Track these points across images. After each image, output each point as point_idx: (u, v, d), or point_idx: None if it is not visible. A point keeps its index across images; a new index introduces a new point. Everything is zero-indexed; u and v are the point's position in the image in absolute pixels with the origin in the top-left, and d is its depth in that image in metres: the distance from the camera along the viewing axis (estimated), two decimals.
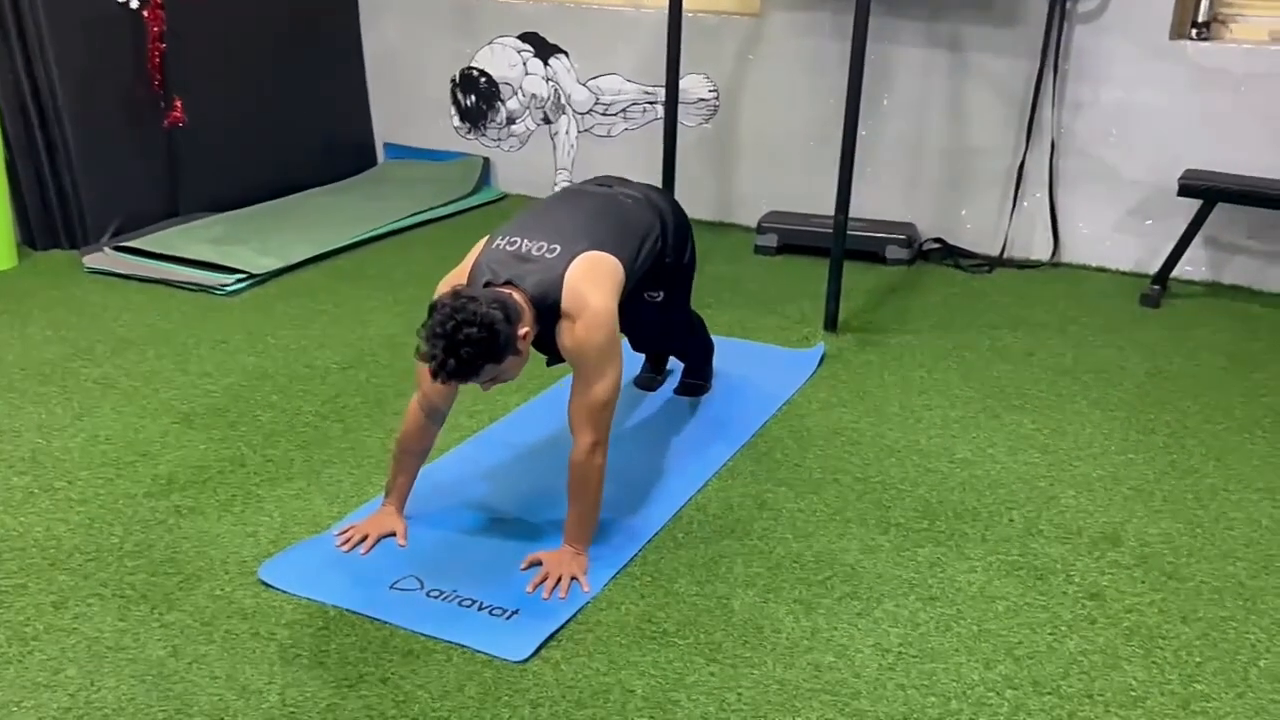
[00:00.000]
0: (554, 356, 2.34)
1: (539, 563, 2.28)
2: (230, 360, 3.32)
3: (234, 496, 2.55)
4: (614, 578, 2.28)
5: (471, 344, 2.01)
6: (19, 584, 2.19)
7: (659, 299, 2.77)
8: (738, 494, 2.64)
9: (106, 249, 4.17)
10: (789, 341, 3.63)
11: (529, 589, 2.21)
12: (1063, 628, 2.18)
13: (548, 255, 2.25)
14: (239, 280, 3.94)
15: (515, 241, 2.30)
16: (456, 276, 2.29)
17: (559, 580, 2.22)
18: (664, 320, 2.87)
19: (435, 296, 2.12)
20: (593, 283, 2.24)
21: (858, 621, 2.18)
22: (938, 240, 4.61)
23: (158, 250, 4.11)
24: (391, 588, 2.22)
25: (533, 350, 2.25)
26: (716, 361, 3.35)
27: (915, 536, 2.48)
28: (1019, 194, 4.47)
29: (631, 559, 2.35)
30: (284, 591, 2.20)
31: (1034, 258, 4.52)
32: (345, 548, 2.33)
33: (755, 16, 4.75)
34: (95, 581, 2.21)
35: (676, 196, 4.61)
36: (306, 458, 2.74)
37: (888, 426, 3.03)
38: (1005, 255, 4.51)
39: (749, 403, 3.12)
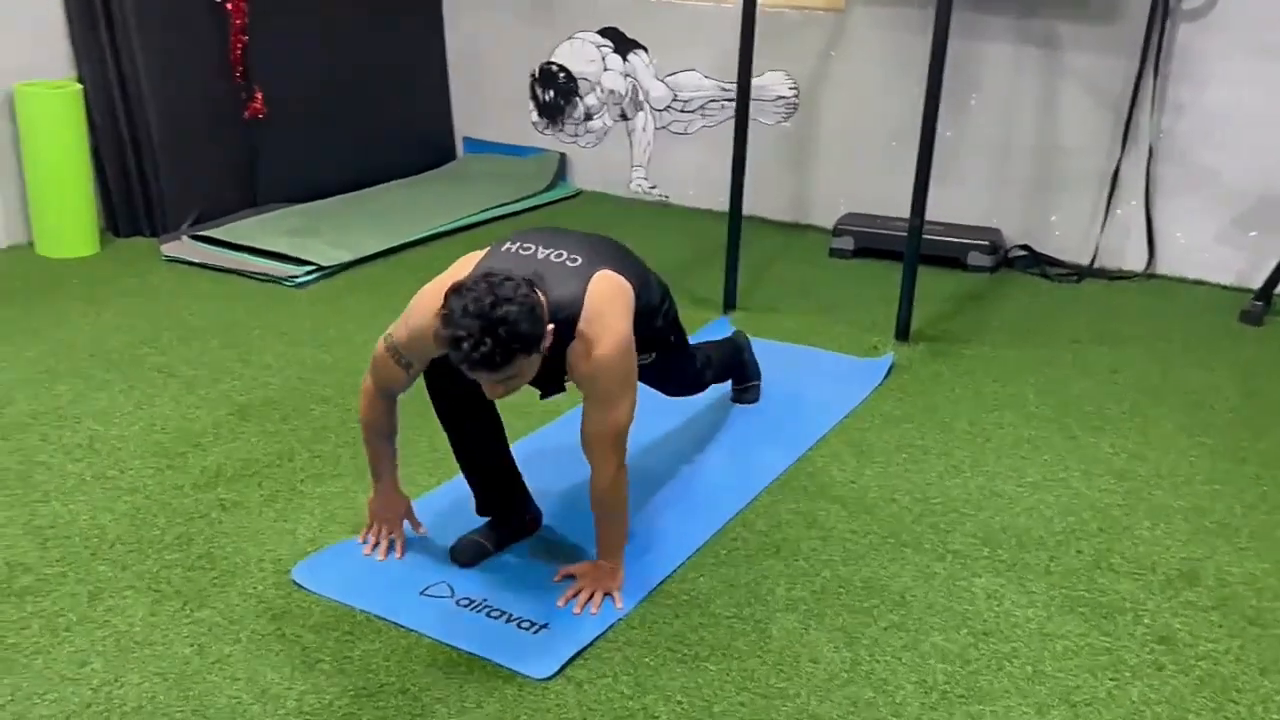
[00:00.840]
0: (551, 385, 2.14)
1: (573, 576, 2.21)
2: (291, 352, 3.33)
3: (278, 492, 2.55)
4: (648, 596, 2.20)
5: (509, 324, 1.82)
6: (59, 573, 2.21)
7: (650, 360, 2.32)
8: (787, 510, 2.54)
9: (184, 237, 4.24)
10: (857, 350, 3.50)
11: (560, 603, 2.15)
12: (1127, 673, 2.03)
13: (569, 264, 2.05)
14: (309, 272, 3.97)
15: (529, 247, 2.11)
16: (448, 279, 2.02)
17: (592, 595, 2.15)
18: (664, 374, 2.50)
19: (449, 284, 1.90)
20: (613, 304, 2.04)
21: (903, 655, 2.06)
22: (1024, 247, 4.41)
23: (233, 240, 4.16)
24: (422, 594, 2.18)
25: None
26: (777, 370, 3.24)
27: (973, 565, 2.35)
28: (1112, 200, 4.25)
29: (668, 576, 2.27)
30: (315, 593, 2.17)
31: (1127, 268, 4.29)
32: (379, 556, 2.29)
33: (839, 12, 4.61)
34: (132, 574, 2.21)
35: (750, 196, 4.51)
36: (354, 455, 2.72)
37: (954, 444, 2.89)
38: (1096, 265, 4.30)
39: (808, 414, 3.01)
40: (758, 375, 3.09)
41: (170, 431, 2.81)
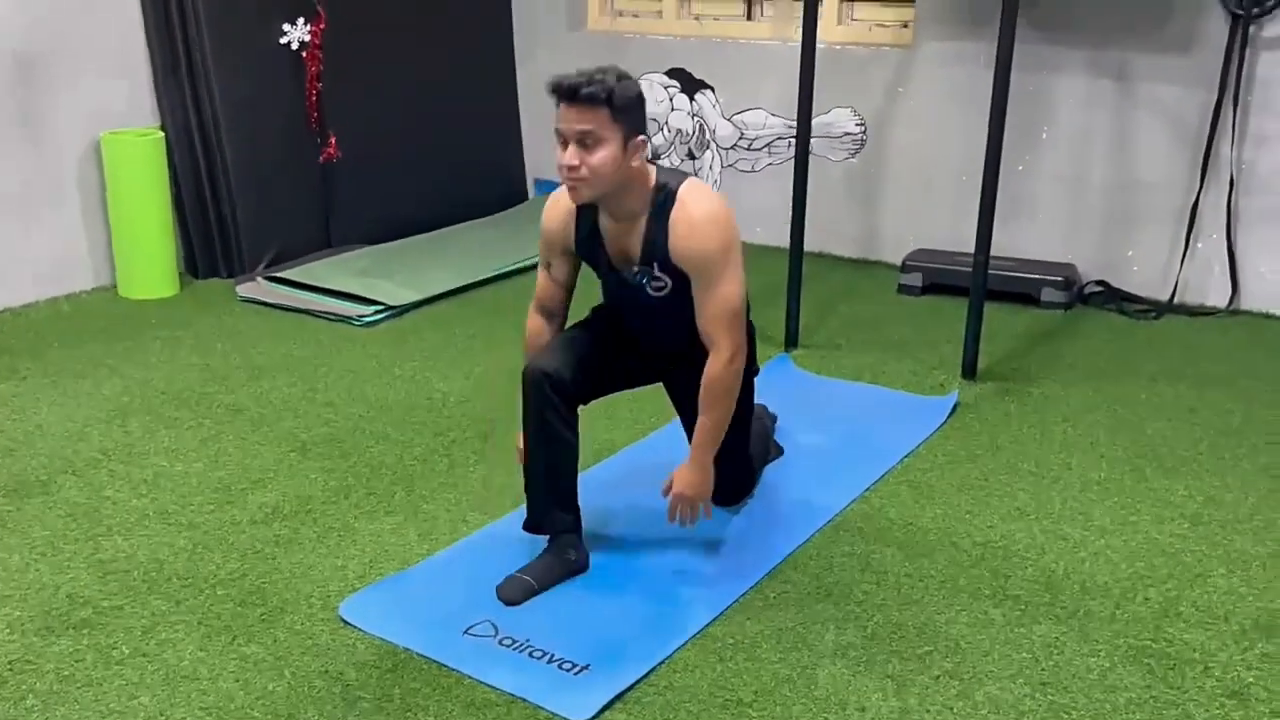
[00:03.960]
0: (654, 268, 2.25)
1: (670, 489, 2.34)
2: (355, 390, 3.39)
3: (331, 529, 2.57)
4: (693, 639, 2.16)
5: (605, 76, 2.09)
6: (117, 605, 2.26)
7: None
8: (841, 552, 2.48)
9: (259, 279, 4.36)
10: (922, 388, 3.43)
11: (668, 521, 2.33)
12: None
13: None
14: (377, 311, 4.04)
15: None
16: None
17: (690, 510, 2.32)
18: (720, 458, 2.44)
19: None
20: (713, 197, 2.25)
21: (954, 704, 1.99)
22: (1100, 283, 4.29)
23: (305, 281, 4.27)
24: (465, 633, 2.17)
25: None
26: (837, 409, 3.21)
27: (1033, 611, 2.27)
28: (1192, 234, 4.11)
29: (714, 619, 2.22)
30: (360, 629, 2.18)
31: (1209, 304, 4.14)
32: None
33: (907, 48, 4.57)
34: (185, 608, 2.25)
35: (818, 232, 4.48)
36: (408, 491, 2.75)
37: (1019, 486, 2.80)
38: (1176, 300, 4.16)
39: (868, 453, 2.95)
40: (779, 451, 2.96)
41: (233, 469, 2.87)
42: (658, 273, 2.27)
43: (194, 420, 3.16)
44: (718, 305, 2.22)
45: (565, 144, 2.13)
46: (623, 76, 2.13)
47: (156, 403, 3.28)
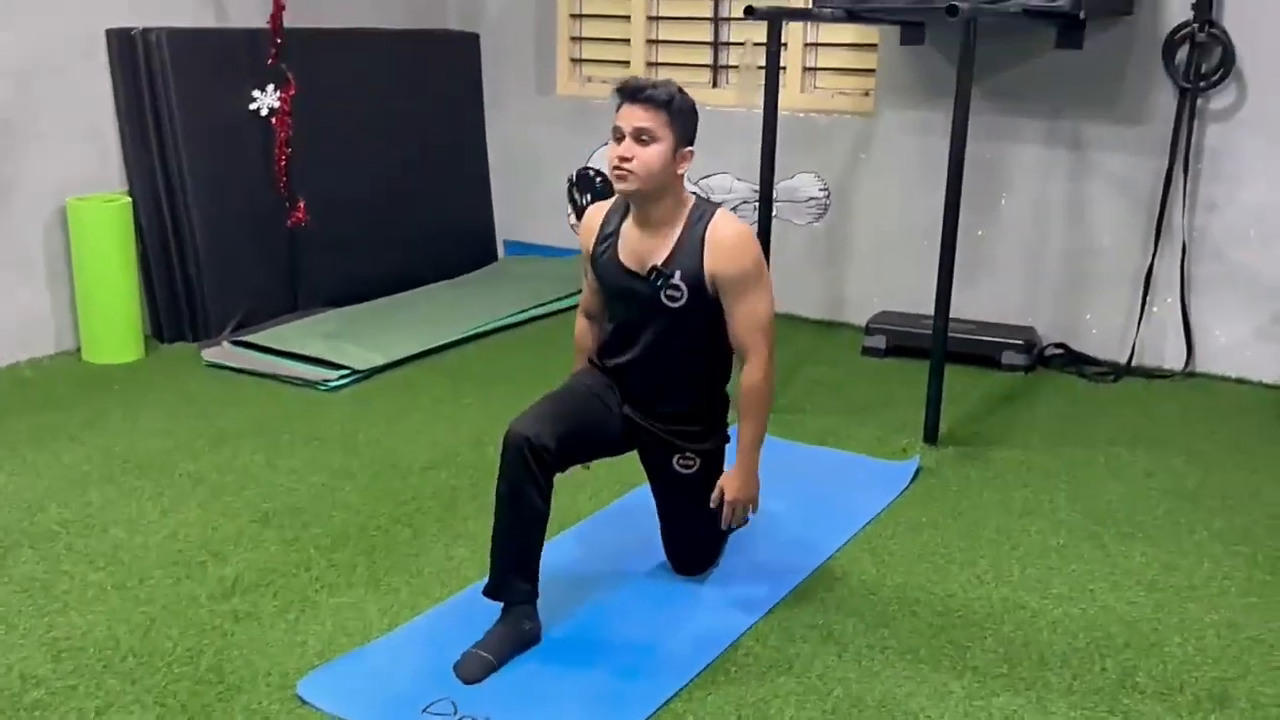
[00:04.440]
0: (675, 275, 2.37)
1: (723, 493, 2.47)
2: (319, 458, 3.38)
3: (291, 602, 2.56)
4: (654, 714, 2.16)
5: (669, 84, 2.32)
6: (70, 685, 2.23)
7: (692, 468, 2.54)
8: (802, 623, 2.49)
9: (225, 343, 4.35)
10: (884, 453, 3.46)
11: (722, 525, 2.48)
12: None
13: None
14: (342, 376, 4.04)
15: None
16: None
17: (736, 510, 2.46)
18: (691, 520, 2.60)
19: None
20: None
21: None
22: (1060, 345, 4.36)
23: (271, 345, 4.26)
24: (424, 710, 2.16)
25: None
26: (801, 474, 3.23)
27: (992, 683, 2.28)
28: (1148, 299, 4.20)
29: (675, 694, 2.22)
30: (318, 709, 2.16)
31: (1166, 367, 4.22)
32: None
33: (868, 116, 4.67)
34: (141, 688, 2.22)
35: (784, 294, 4.52)
36: (370, 564, 2.74)
37: (979, 553, 2.83)
38: (1134, 363, 4.23)
39: (830, 520, 2.97)
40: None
41: (192, 540, 2.85)
42: (677, 279, 2.36)
43: (155, 490, 3.14)
44: (754, 318, 2.38)
45: (620, 139, 2.32)
46: (682, 90, 2.35)
47: (117, 471, 3.26)
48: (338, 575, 2.68)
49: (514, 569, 2.35)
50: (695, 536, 2.64)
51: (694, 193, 2.47)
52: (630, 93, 2.32)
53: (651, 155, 2.29)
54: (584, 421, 2.44)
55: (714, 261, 2.35)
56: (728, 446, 2.59)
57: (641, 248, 2.42)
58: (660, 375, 2.49)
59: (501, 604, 2.36)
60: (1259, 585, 2.66)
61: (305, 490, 3.15)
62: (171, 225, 4.39)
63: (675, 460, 2.53)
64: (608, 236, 2.47)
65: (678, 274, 2.37)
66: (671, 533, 2.65)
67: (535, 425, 2.30)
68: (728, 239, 2.35)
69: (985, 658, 2.37)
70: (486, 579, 2.39)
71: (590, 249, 2.52)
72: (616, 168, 2.32)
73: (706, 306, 2.40)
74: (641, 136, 2.29)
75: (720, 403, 2.59)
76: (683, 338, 2.44)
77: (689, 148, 2.36)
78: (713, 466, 2.56)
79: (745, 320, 2.39)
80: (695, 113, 2.38)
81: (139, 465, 3.30)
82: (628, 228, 2.45)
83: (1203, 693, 2.25)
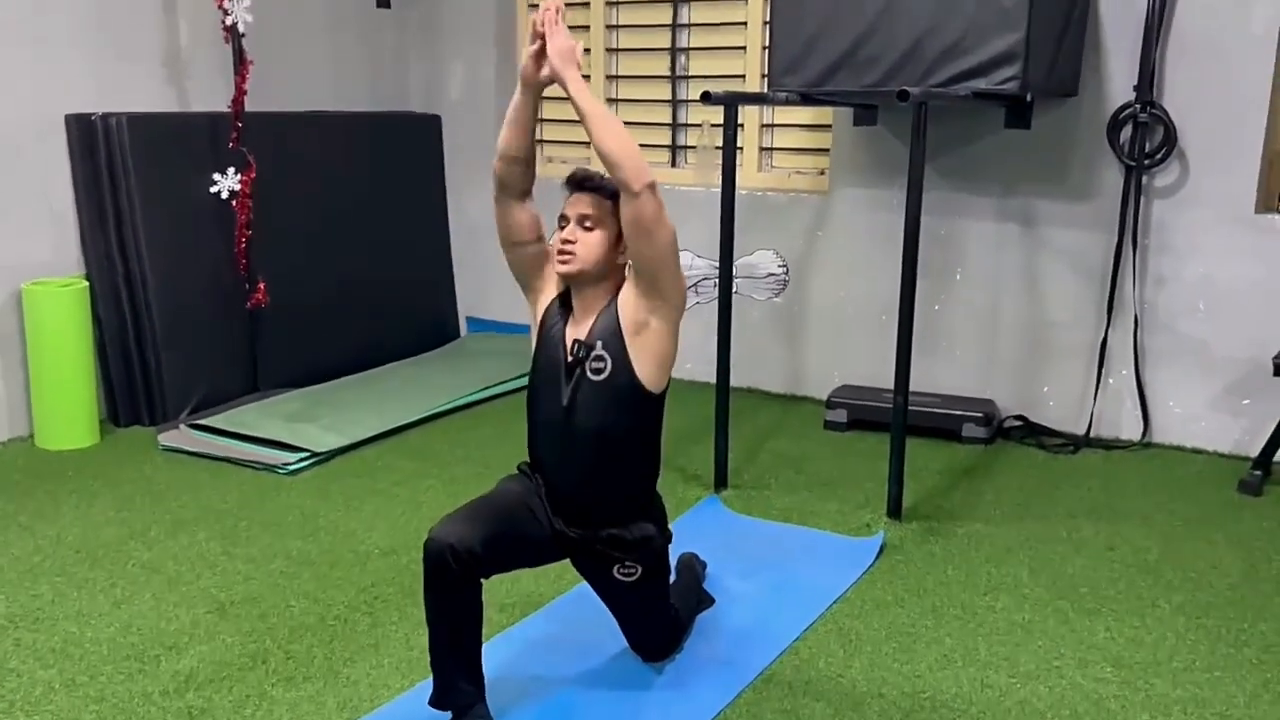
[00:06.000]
0: (598, 345, 2.36)
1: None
2: (277, 544, 3.32)
3: (248, 697, 2.49)
4: None
5: (606, 180, 2.35)
6: None
7: (634, 576, 2.46)
8: (770, 710, 2.46)
9: (182, 426, 4.29)
10: (848, 529, 3.46)
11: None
12: None
13: None
14: (301, 459, 3.99)
15: None
16: None
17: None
18: (644, 607, 2.57)
19: None
20: None
21: None
22: (1019, 418, 4.40)
23: (229, 428, 4.21)
24: None
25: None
26: (767, 553, 3.22)
27: None
28: (1103, 370, 4.26)
29: None
30: None
31: (1123, 437, 4.27)
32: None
33: (824, 194, 4.75)
34: None
35: (746, 369, 4.55)
36: (328, 654, 2.68)
37: (945, 631, 2.82)
38: (1092, 434, 4.28)
39: (797, 601, 2.95)
40: (710, 601, 2.94)
41: (146, 633, 2.77)
42: (599, 350, 2.35)
43: (107, 581, 3.07)
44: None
45: (565, 224, 2.37)
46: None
47: (69, 562, 3.18)
48: (295, 667, 2.62)
49: (456, 674, 2.29)
50: (653, 628, 2.61)
51: None
52: (578, 182, 2.39)
53: (594, 240, 2.34)
54: (510, 526, 2.36)
55: (623, 307, 2.36)
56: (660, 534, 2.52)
57: (572, 330, 2.41)
58: (590, 468, 2.40)
59: (450, 713, 2.30)
60: (1222, 659, 2.67)
61: (262, 578, 3.09)
62: (129, 308, 4.35)
63: (615, 570, 2.45)
64: (560, 301, 2.45)
65: (599, 344, 2.36)
66: (627, 627, 2.61)
67: (459, 530, 2.22)
68: (626, 285, 2.38)
69: None
70: (431, 689, 2.32)
71: (538, 252, 2.48)
72: (560, 251, 2.36)
73: (632, 378, 2.35)
74: (585, 223, 2.35)
75: (655, 502, 2.53)
76: (610, 415, 2.37)
77: (621, 246, 2.35)
78: (657, 565, 2.50)
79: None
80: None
81: (91, 555, 3.23)
82: (574, 304, 2.45)
83: None
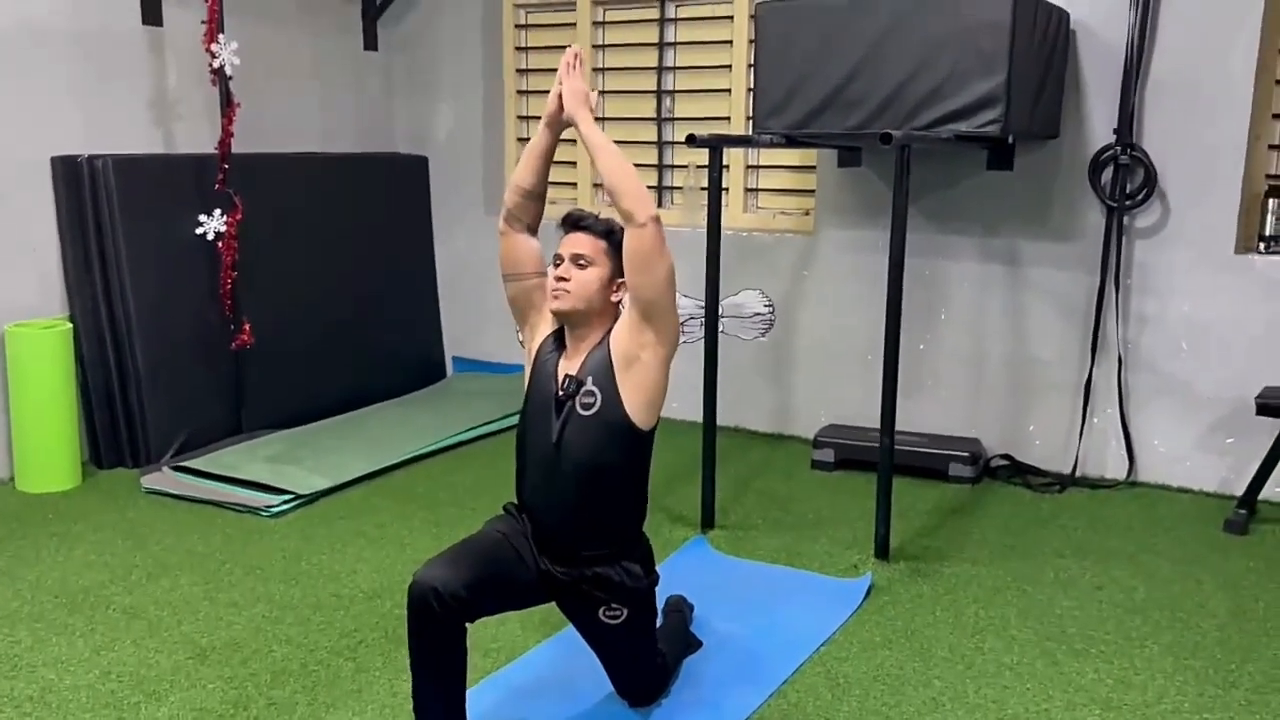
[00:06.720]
0: (589, 380, 2.38)
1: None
2: (260, 588, 3.29)
3: None
4: None
5: (607, 220, 2.45)
6: None
7: (619, 619, 2.45)
8: None
9: (165, 468, 4.26)
10: (836, 570, 3.44)
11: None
12: None
13: None
14: (285, 501, 3.96)
15: None
16: None
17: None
18: (630, 651, 2.55)
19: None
20: None
21: None
22: (1005, 457, 4.41)
23: (212, 470, 4.18)
24: None
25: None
26: (755, 594, 3.20)
27: None
28: (1088, 410, 4.27)
29: None
30: None
31: (1108, 476, 4.27)
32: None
33: (809, 234, 4.78)
34: None
35: (733, 408, 4.54)
36: (310, 700, 2.64)
37: (934, 674, 2.80)
38: (1078, 474, 4.28)
39: (784, 642, 2.93)
40: (698, 644, 2.91)
41: (125, 680, 2.73)
42: (589, 385, 2.37)
43: (87, 627, 3.03)
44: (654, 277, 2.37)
45: (560, 263, 2.42)
46: (623, 227, 2.41)
47: (48, 608, 3.14)
48: (277, 714, 2.59)
49: None
50: (639, 672, 2.59)
51: None
52: (573, 222, 2.47)
53: (588, 277, 2.39)
54: (496, 568, 2.34)
55: (615, 342, 2.39)
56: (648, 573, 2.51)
57: (564, 365, 2.44)
58: (577, 503, 2.40)
59: None
60: (1210, 700, 2.66)
61: (245, 623, 3.06)
62: (113, 350, 4.33)
63: (601, 612, 2.44)
64: (554, 337, 2.49)
65: (590, 379, 2.38)
66: (613, 671, 2.58)
67: (444, 573, 2.20)
68: (620, 321, 2.42)
69: None
70: None
71: (535, 285, 2.53)
72: (554, 288, 2.40)
73: (621, 413, 2.35)
74: (579, 261, 2.40)
75: (642, 542, 2.52)
76: (599, 450, 2.37)
77: (624, 279, 2.40)
78: (643, 607, 2.49)
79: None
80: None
81: (71, 600, 3.18)
82: (568, 341, 2.48)
83: None
